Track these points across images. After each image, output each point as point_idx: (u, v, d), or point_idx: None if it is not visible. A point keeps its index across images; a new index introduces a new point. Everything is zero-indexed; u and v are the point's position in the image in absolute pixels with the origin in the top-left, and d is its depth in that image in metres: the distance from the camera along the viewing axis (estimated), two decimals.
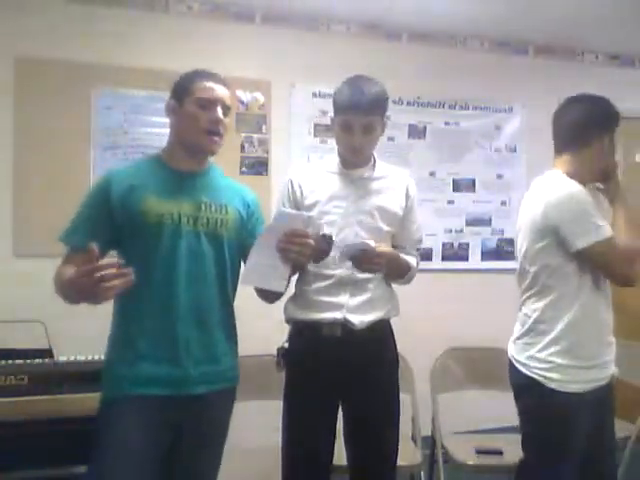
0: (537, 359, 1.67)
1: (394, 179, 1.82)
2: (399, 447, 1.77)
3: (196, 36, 2.99)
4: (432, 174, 3.46)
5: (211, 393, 1.52)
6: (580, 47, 3.73)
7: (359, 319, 1.70)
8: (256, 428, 2.27)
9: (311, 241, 1.50)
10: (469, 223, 3.52)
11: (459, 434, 2.49)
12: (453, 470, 2.31)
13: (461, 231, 3.52)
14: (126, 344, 1.49)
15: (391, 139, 3.34)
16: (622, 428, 2.28)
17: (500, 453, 2.24)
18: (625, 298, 3.34)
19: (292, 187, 1.77)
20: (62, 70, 2.80)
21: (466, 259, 3.52)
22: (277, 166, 3.13)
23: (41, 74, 2.78)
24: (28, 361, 2.01)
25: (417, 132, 3.43)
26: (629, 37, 3.53)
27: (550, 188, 1.67)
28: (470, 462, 2.23)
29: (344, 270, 1.69)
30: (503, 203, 3.58)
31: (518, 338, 1.74)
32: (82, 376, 1.95)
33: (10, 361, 1.99)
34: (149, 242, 1.48)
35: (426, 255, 3.34)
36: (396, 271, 1.76)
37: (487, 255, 3.53)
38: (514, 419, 1.77)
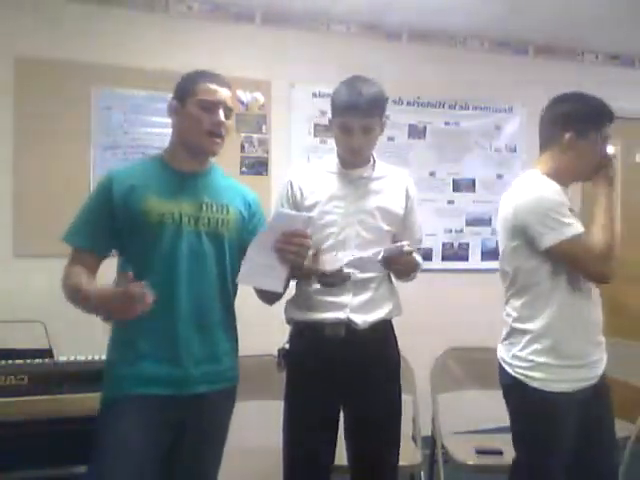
0: (519, 358, 1.68)
1: (393, 179, 1.82)
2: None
3: (196, 36, 2.99)
4: (432, 174, 3.45)
5: (212, 393, 1.52)
6: (580, 47, 3.72)
7: (362, 319, 1.70)
8: (256, 428, 2.27)
9: (309, 241, 1.51)
10: (469, 223, 3.52)
11: (459, 434, 2.49)
12: (453, 470, 2.32)
13: (461, 231, 3.52)
14: (127, 344, 1.49)
15: (391, 139, 3.34)
16: (622, 428, 2.27)
17: (500, 453, 2.24)
18: (626, 298, 3.35)
19: (292, 188, 1.77)
20: (62, 70, 2.80)
21: (466, 259, 3.52)
22: (277, 166, 3.13)
23: (41, 74, 2.77)
24: (28, 361, 2.00)
25: (417, 132, 3.43)
26: (629, 37, 3.53)
27: (521, 188, 1.69)
28: (470, 462, 2.23)
29: (346, 269, 1.69)
30: None
31: (504, 339, 1.75)
32: (82, 376, 1.95)
33: (10, 361, 1.99)
34: (150, 242, 1.48)
35: (426, 255, 3.33)
36: (410, 269, 1.76)
37: (487, 255, 3.52)
38: None
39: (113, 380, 1.49)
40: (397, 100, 3.35)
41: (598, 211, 1.65)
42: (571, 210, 1.63)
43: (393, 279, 1.82)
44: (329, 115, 1.77)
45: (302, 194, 1.76)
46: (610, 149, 1.69)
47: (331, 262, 1.64)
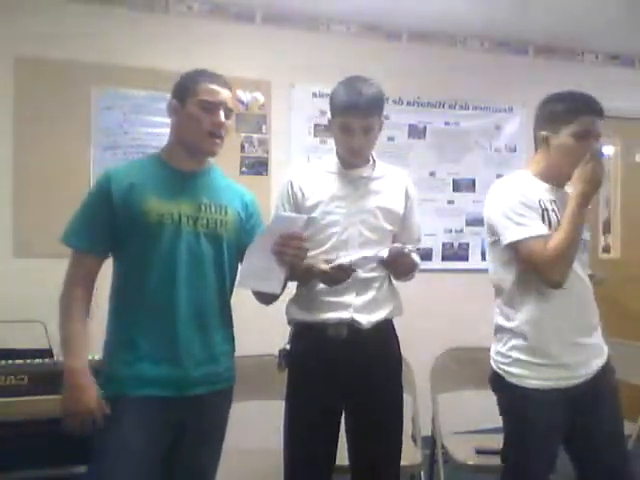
0: (501, 354, 1.70)
1: (393, 179, 1.82)
2: None
3: (196, 36, 2.99)
4: (432, 174, 3.46)
5: (211, 393, 1.52)
6: (580, 47, 3.73)
7: (366, 319, 1.70)
8: (256, 428, 2.27)
9: (306, 245, 1.54)
10: (469, 223, 3.52)
11: (459, 434, 2.49)
12: (453, 470, 2.31)
13: (461, 231, 3.52)
14: (126, 345, 1.49)
15: (391, 139, 3.34)
16: None
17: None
18: (626, 298, 3.35)
19: (292, 189, 1.77)
20: (62, 70, 2.80)
21: (466, 259, 3.52)
22: (277, 166, 3.13)
23: (41, 74, 2.78)
24: (28, 361, 2.01)
25: (417, 132, 3.43)
26: (629, 37, 3.53)
27: (497, 187, 1.72)
28: (470, 462, 2.23)
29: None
30: None
31: (494, 336, 1.77)
32: None
33: (10, 361, 1.99)
34: (149, 242, 1.48)
35: (426, 255, 3.34)
36: (409, 269, 1.76)
37: None
38: None
39: (113, 381, 1.49)
40: (397, 100, 3.35)
41: (565, 213, 1.60)
42: (545, 210, 1.62)
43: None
44: (329, 115, 1.77)
45: (303, 194, 1.75)
46: (601, 147, 1.64)
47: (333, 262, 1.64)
